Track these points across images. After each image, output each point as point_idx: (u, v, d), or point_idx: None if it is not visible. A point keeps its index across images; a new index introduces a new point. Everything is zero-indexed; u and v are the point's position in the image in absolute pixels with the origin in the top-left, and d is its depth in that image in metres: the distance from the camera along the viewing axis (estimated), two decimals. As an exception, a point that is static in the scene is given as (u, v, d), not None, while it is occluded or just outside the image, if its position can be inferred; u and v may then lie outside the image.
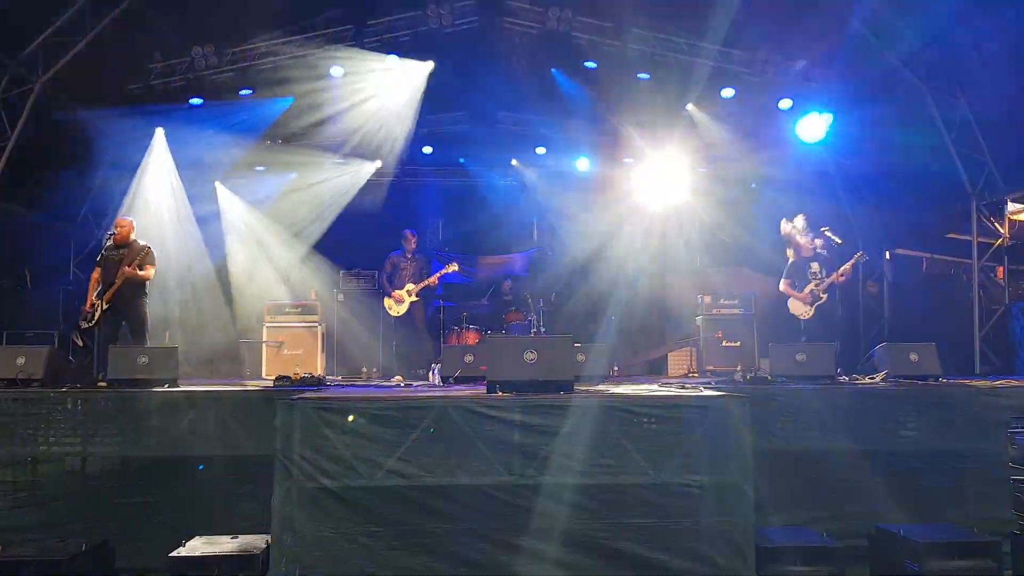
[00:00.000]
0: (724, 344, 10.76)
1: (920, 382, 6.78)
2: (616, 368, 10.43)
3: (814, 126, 11.70)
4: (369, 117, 10.97)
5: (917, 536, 4.94)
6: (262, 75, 10.33)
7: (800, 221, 8.94)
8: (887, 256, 14.29)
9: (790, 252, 9.08)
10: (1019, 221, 11.79)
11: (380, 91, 10.65)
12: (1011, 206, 11.49)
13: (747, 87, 11.97)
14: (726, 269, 12.99)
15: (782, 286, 8.96)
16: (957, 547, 4.87)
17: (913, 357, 7.09)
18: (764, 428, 6.04)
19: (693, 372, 10.69)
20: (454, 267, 9.09)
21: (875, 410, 6.18)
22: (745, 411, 5.00)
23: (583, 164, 13.15)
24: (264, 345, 9.34)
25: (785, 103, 12.33)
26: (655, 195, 13.19)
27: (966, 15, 9.58)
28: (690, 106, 12.21)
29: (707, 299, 11.17)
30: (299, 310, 9.74)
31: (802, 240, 8.83)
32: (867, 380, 6.97)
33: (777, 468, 6.09)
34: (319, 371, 8.86)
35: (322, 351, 9.67)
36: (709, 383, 7.16)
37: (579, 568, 4.68)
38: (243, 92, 10.58)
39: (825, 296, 8.68)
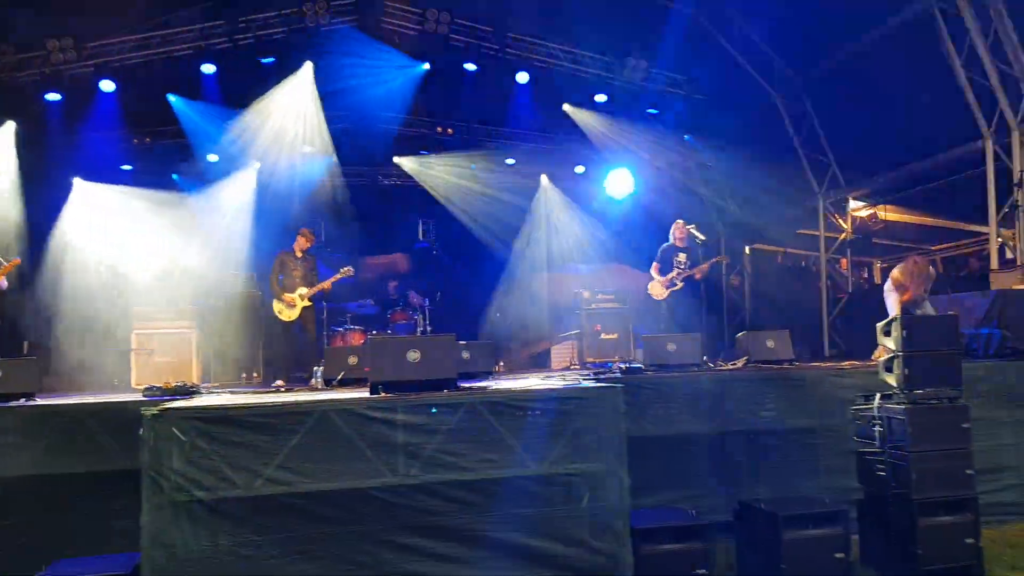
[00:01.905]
0: (603, 336, 11.01)
1: (776, 366, 7.16)
2: (501, 364, 10.49)
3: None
4: (251, 115, 10.55)
5: (776, 509, 5.21)
6: (126, 71, 9.72)
7: (680, 222, 9.40)
8: (747, 251, 15.10)
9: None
10: (860, 217, 12.74)
11: (256, 90, 10.25)
12: (852, 203, 12.40)
13: (618, 92, 12.32)
14: (608, 266, 13.34)
15: (652, 268, 9.38)
16: (811, 517, 5.17)
17: (770, 343, 7.49)
18: (638, 415, 6.25)
19: (574, 364, 10.88)
20: (349, 271, 8.58)
21: (737, 394, 6.48)
22: (620, 400, 5.08)
23: (469, 165, 13.16)
24: (133, 353, 8.72)
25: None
26: (540, 195, 13.42)
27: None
28: (567, 106, 12.45)
29: (586, 294, 11.39)
30: (171, 315, 9.16)
31: (677, 232, 9.27)
32: (729, 366, 7.30)
33: (650, 452, 6.28)
34: (194, 379, 8.42)
35: (197, 358, 9.16)
36: (588, 375, 7.32)
37: (463, 561, 4.66)
38: (106, 88, 9.92)
39: (681, 284, 9.13)
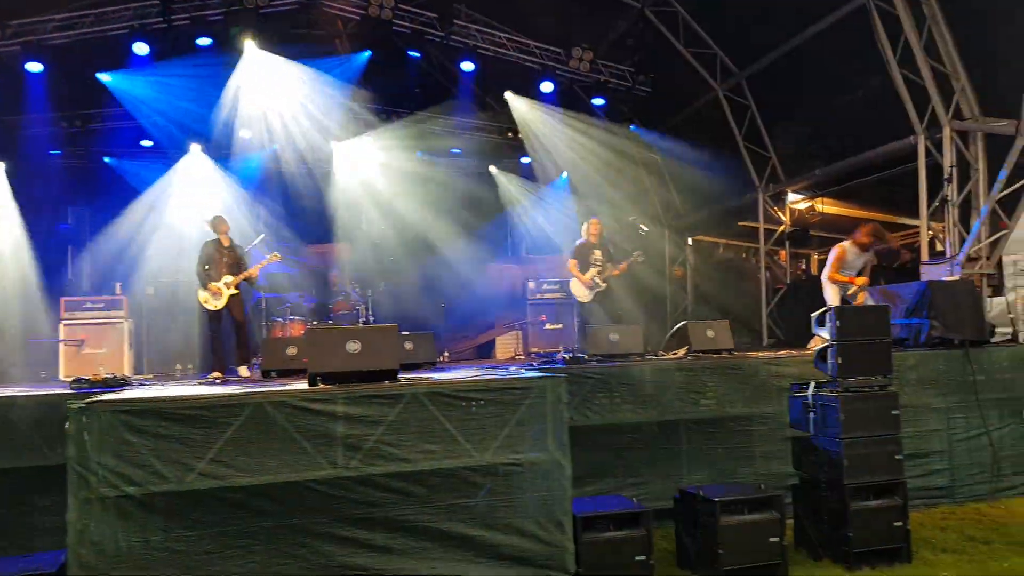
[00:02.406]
0: (548, 327, 11.07)
1: (716, 355, 7.29)
2: (446, 355, 10.44)
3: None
4: (181, 99, 10.22)
5: (713, 495, 5.31)
6: (54, 50, 9.31)
7: (595, 220, 9.33)
8: (689, 243, 15.34)
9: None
10: (798, 210, 13.05)
11: (191, 72, 9.93)
12: (791, 196, 12.68)
13: (564, 82, 12.34)
14: (551, 256, 13.39)
15: (569, 264, 9.26)
16: (747, 503, 5.28)
17: (710, 333, 7.61)
18: (582, 404, 6.31)
19: (519, 355, 10.90)
20: (275, 257, 8.40)
21: (678, 383, 6.59)
22: (564, 390, 5.09)
23: (415, 153, 13.06)
24: (61, 345, 8.39)
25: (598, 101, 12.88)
26: (486, 183, 13.39)
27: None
28: (508, 95, 12.43)
29: (532, 284, 11.42)
30: (101, 305, 8.82)
31: (592, 229, 9.24)
32: (671, 356, 7.40)
33: (593, 441, 6.39)
34: (126, 371, 8.15)
35: (130, 349, 8.86)
36: (532, 365, 7.36)
37: (405, 553, 4.62)
38: (33, 69, 9.49)
39: (604, 285, 9.04)
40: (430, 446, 4.73)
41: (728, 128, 12.38)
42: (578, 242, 9.34)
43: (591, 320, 8.89)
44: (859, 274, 8.10)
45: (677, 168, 13.97)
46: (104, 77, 10.21)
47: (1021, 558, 5.45)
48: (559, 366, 6.67)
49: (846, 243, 8.06)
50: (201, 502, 4.29)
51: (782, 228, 12.66)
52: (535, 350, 10.33)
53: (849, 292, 8.08)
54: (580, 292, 9.06)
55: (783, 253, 13.57)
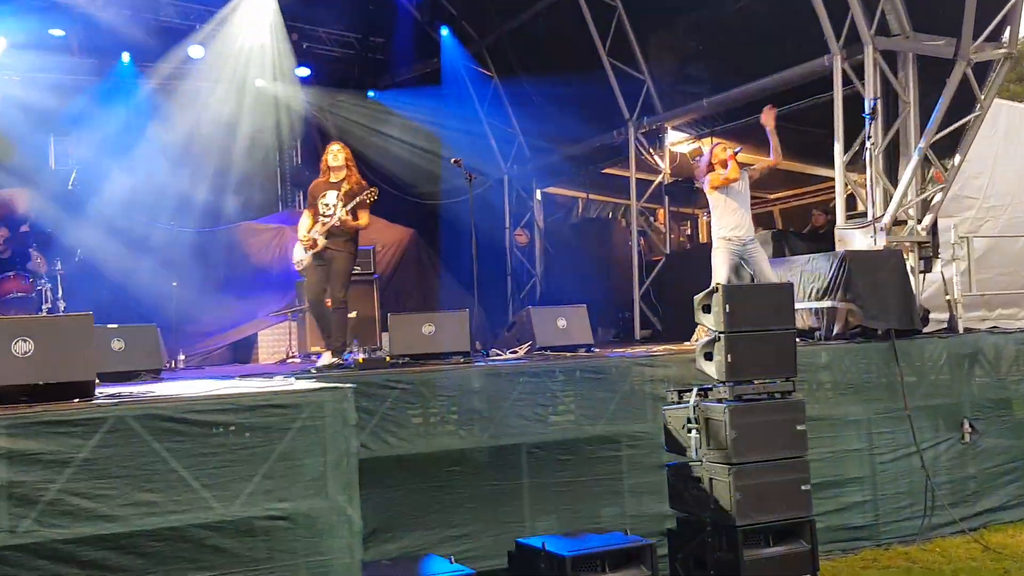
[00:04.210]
0: (336, 317, 10.95)
1: (570, 354, 7.50)
2: (181, 358, 10.12)
3: None
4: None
5: (562, 549, 5.45)
6: None
7: (336, 145, 8.49)
8: (538, 197, 15.69)
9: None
10: (681, 154, 13.62)
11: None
12: (672, 135, 13.23)
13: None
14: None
15: (303, 216, 8.44)
16: (607, 557, 5.48)
17: (561, 323, 7.83)
18: (380, 427, 6.28)
19: (292, 355, 10.74)
20: None
21: (517, 393, 6.70)
22: (352, 407, 5.07)
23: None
24: None
25: None
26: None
27: None
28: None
29: (307, 259, 11.20)
30: None
31: (330, 159, 8.36)
32: (509, 355, 7.54)
33: (397, 479, 6.40)
34: None
35: None
36: (308, 371, 7.26)
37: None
38: None
39: (324, 242, 8.03)
40: (147, 496, 4.56)
41: (588, 37, 12.70)
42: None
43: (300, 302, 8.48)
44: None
45: (519, 90, 14.22)
46: None
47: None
48: (347, 372, 6.66)
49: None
50: None
51: (660, 178, 13.19)
52: (316, 349, 10.19)
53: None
54: (297, 255, 8.34)
55: (661, 213, 14.17)
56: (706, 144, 13.16)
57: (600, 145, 13.92)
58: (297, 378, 6.25)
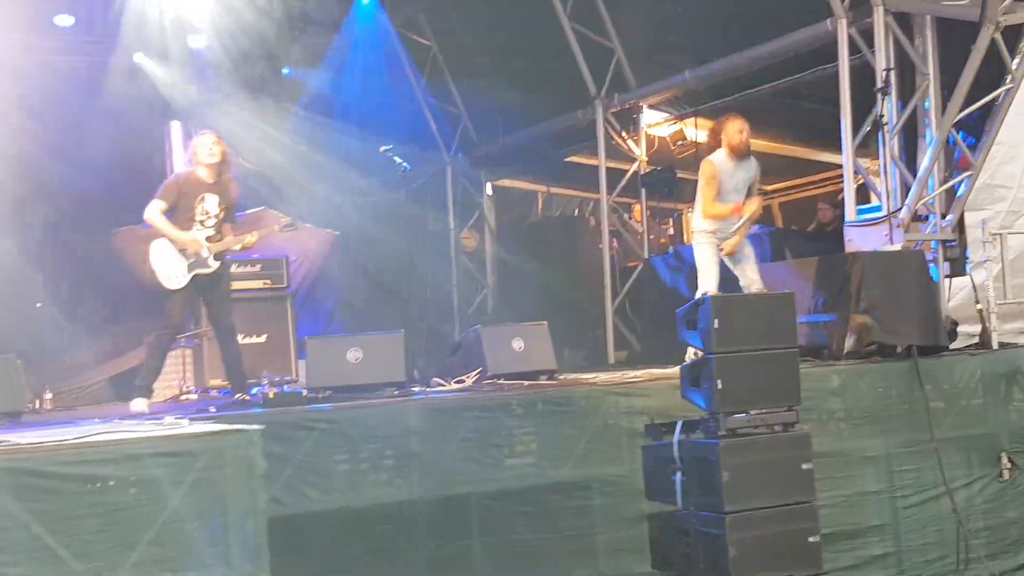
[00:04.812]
0: (240, 342, 10.80)
1: (529, 382, 7.46)
2: (48, 395, 9.95)
3: None
4: None
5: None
6: None
7: (207, 136, 8.35)
8: (488, 191, 15.64)
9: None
10: (660, 138, 13.63)
11: None
12: (648, 115, 13.24)
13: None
14: (243, 213, 13.11)
15: (153, 209, 8.10)
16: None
17: (517, 345, 7.79)
18: (296, 477, 6.21)
19: (187, 391, 10.61)
20: None
21: (466, 432, 6.68)
22: (258, 454, 5.05)
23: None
24: None
25: None
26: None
27: None
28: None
29: (188, 276, 11.09)
30: None
31: (201, 152, 8.25)
32: (454, 385, 7.48)
33: (316, 540, 6.31)
34: None
35: None
36: (208, 409, 7.17)
37: None
38: None
39: (216, 263, 8.05)
40: (3, 570, 4.47)
41: (549, 7, 12.71)
42: (171, 177, 8.58)
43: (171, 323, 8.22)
44: (748, 197, 8.54)
45: (472, 66, 14.20)
46: None
47: None
48: (255, 411, 6.62)
49: (714, 156, 8.51)
50: None
51: (635, 167, 13.20)
52: (216, 383, 10.08)
53: (733, 235, 8.42)
54: (164, 268, 8.10)
55: (638, 209, 14.15)
56: (690, 126, 13.21)
57: (563, 128, 13.89)
58: (192, 419, 6.17)
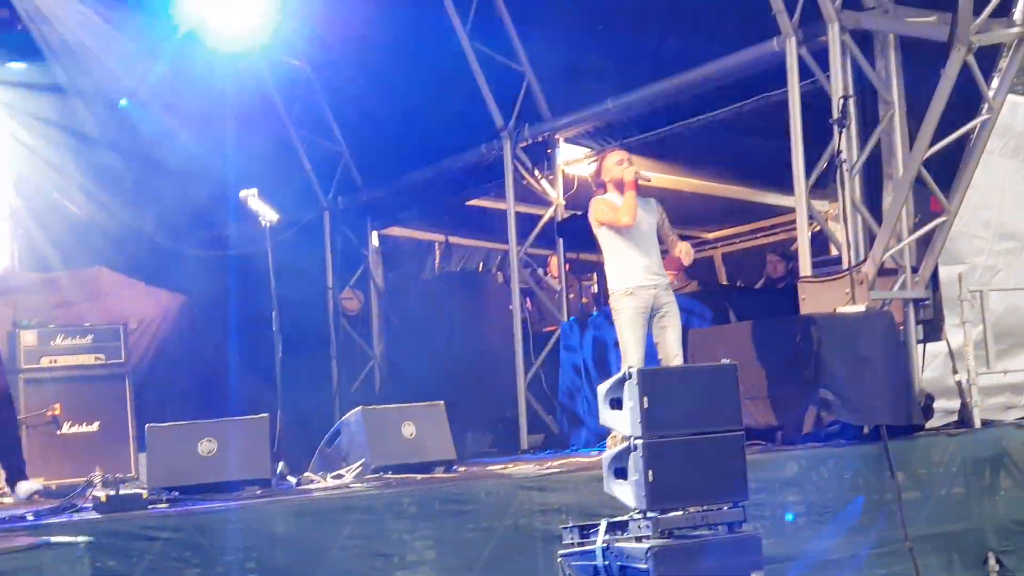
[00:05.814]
0: (66, 431, 10.66)
1: (422, 475, 7.41)
2: None
3: None
4: None
5: None
6: None
7: None
8: (374, 242, 15.63)
9: None
10: (579, 177, 13.70)
11: None
12: (566, 150, 13.31)
13: None
14: (75, 271, 12.94)
15: None
16: None
17: (408, 431, 7.75)
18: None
19: (3, 492, 10.44)
20: None
21: (343, 539, 6.61)
22: (88, 573, 5.18)
23: None
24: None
25: None
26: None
27: None
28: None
29: (29, 337, 10.96)
30: None
31: None
32: (330, 481, 7.40)
33: None
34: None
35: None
36: (23, 517, 6.98)
37: None
38: None
39: None
40: None
41: (441, 11, 12.78)
42: None
43: None
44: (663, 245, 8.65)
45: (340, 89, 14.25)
46: None
47: None
48: (83, 519, 6.52)
49: (603, 197, 8.70)
50: None
51: (550, 212, 13.27)
52: (40, 482, 9.90)
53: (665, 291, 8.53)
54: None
55: (554, 261, 14.23)
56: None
57: (463, 165, 13.94)
58: (0, 531, 6.04)
